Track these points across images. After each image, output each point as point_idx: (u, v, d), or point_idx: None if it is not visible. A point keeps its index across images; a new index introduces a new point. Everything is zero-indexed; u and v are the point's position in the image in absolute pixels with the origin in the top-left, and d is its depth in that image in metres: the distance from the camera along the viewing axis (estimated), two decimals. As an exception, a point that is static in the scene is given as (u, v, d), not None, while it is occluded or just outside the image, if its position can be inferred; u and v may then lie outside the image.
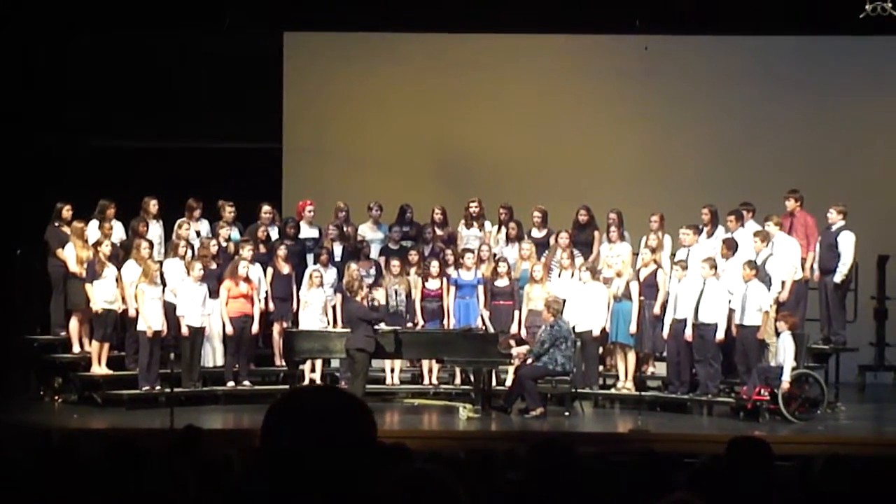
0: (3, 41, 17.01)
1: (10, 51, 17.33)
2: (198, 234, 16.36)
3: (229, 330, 15.50)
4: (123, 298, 15.24)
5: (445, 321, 15.97)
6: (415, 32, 18.92)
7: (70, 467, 6.28)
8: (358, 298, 14.84)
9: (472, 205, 16.92)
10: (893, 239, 17.69)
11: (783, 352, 14.25)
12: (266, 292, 15.90)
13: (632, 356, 15.61)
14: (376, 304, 15.29)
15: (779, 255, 15.09)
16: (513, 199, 17.04)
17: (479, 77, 19.06)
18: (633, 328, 15.44)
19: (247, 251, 15.58)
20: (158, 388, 14.93)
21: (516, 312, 15.82)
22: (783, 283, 15.04)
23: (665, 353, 15.49)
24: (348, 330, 14.85)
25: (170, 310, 15.17)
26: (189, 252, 15.72)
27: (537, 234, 16.75)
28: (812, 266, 15.48)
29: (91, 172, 17.48)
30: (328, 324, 15.87)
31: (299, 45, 19.31)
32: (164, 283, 15.26)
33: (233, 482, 3.38)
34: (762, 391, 14.21)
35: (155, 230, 16.21)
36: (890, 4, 14.63)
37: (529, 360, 14.76)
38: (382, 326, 14.93)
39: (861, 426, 14.61)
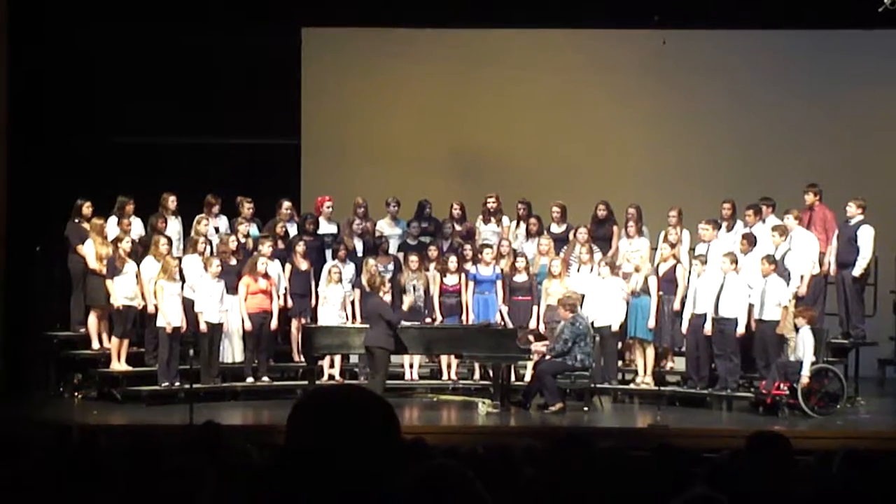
0: (19, 39, 17.03)
1: (20, 49, 17.34)
2: (216, 230, 16.39)
3: (248, 326, 15.53)
4: (143, 295, 15.29)
5: (464, 316, 15.97)
6: (432, 28, 18.90)
7: (90, 463, 6.30)
8: (380, 294, 14.86)
9: (489, 200, 16.91)
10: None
11: (802, 346, 14.22)
12: (285, 288, 15.93)
13: (651, 351, 15.60)
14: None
15: (797, 249, 15.05)
16: (531, 194, 17.03)
17: (498, 72, 19.03)
18: (651, 323, 15.43)
19: (266, 247, 15.60)
20: (178, 384, 14.97)
21: (535, 308, 15.82)
22: (802, 277, 15.01)
23: (684, 348, 15.48)
24: (367, 326, 14.87)
25: (189, 306, 15.21)
26: (207, 248, 15.75)
27: (556, 229, 16.72)
28: (830, 260, 15.45)
29: (110, 169, 17.51)
30: (347, 319, 15.88)
31: (317, 40, 19.29)
32: (183, 280, 15.30)
33: (256, 480, 3.40)
34: (781, 386, 14.17)
35: (174, 226, 16.24)
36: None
37: (548, 357, 14.75)
38: (401, 322, 14.95)
39: (881, 420, 14.54)
